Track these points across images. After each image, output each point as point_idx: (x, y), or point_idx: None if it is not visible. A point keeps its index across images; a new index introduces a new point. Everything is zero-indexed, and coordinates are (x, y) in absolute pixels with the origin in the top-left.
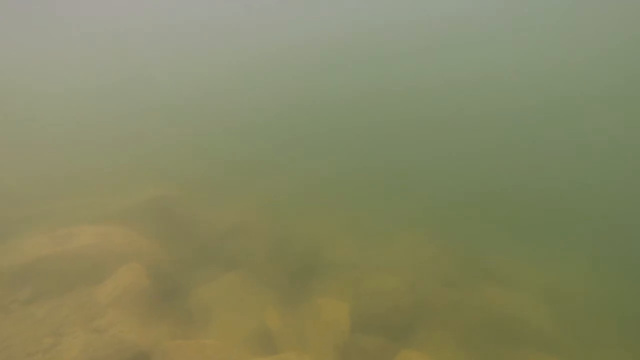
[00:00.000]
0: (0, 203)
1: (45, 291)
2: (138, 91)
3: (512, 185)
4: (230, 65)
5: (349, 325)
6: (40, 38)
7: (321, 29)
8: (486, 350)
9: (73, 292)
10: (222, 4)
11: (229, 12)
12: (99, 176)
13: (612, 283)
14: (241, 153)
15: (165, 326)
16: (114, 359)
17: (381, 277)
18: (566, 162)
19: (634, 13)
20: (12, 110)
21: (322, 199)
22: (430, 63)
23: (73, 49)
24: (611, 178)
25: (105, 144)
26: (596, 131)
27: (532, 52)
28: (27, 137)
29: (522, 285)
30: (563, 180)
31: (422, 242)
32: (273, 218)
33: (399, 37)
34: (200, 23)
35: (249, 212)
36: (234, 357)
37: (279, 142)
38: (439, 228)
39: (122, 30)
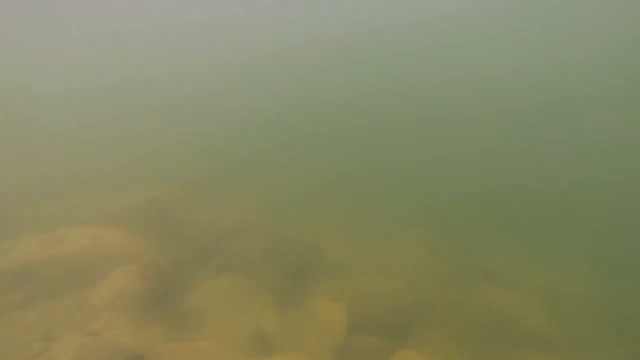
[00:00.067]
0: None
1: (37, 294)
2: (138, 91)
3: (512, 185)
4: (230, 65)
5: (346, 326)
6: (40, 38)
7: (321, 29)
8: (485, 351)
9: (66, 295)
10: (222, 4)
11: (229, 12)
12: (98, 176)
13: (611, 283)
14: (241, 153)
15: (159, 329)
16: None
17: (379, 278)
18: (566, 162)
19: (634, 13)
20: (12, 110)
21: (322, 199)
22: (430, 63)
23: (73, 49)
24: (611, 178)
25: (105, 144)
26: (596, 131)
27: (532, 52)
28: (27, 137)
29: (521, 285)
30: (563, 180)
31: (422, 242)
32: (271, 218)
33: (399, 37)
34: (200, 23)
35: (247, 213)
36: (228, 359)
37: (279, 142)
38: (438, 228)
39: (122, 30)
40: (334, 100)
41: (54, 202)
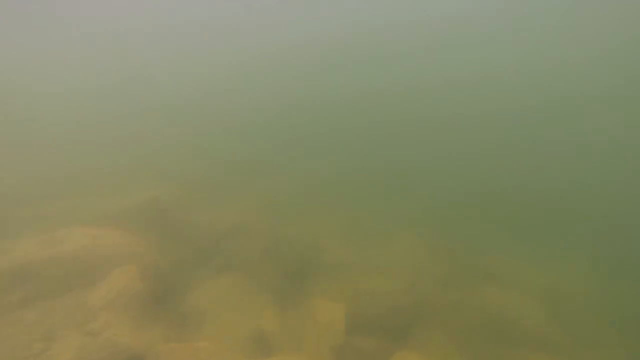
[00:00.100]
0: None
1: (37, 294)
2: (138, 91)
3: (512, 185)
4: (230, 65)
5: (345, 326)
6: (40, 38)
7: (321, 29)
8: (485, 351)
9: (66, 295)
10: (222, 4)
11: (229, 12)
12: (98, 176)
13: (611, 283)
14: (241, 153)
15: (159, 329)
16: None
17: (379, 278)
18: (566, 162)
19: (634, 13)
20: (12, 110)
21: (322, 199)
22: (430, 63)
23: (73, 49)
24: (611, 178)
25: (105, 144)
26: (596, 131)
27: (532, 52)
28: (27, 137)
29: (521, 286)
30: (563, 180)
31: (422, 242)
32: (271, 218)
33: (399, 37)
34: (200, 23)
35: (247, 213)
36: (228, 359)
37: (279, 142)
38: (438, 228)
39: (122, 30)
40: (334, 100)
41: (54, 202)
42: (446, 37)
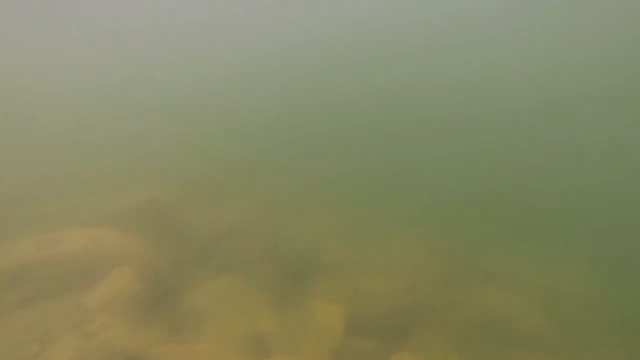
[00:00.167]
0: None
1: (35, 295)
2: (138, 91)
3: (512, 185)
4: (230, 65)
5: (344, 328)
6: (40, 38)
7: (321, 29)
8: (484, 352)
9: (64, 296)
10: (222, 4)
11: (229, 12)
12: (98, 176)
13: (611, 283)
14: (241, 153)
15: (157, 331)
16: None
17: (379, 278)
18: (566, 162)
19: (634, 13)
20: (12, 110)
21: (322, 199)
22: (430, 63)
23: (73, 49)
24: (611, 178)
25: (105, 144)
26: (596, 131)
27: (532, 52)
28: (27, 137)
29: (521, 286)
30: (563, 180)
31: (421, 243)
32: (271, 219)
33: (399, 37)
34: (200, 23)
35: (247, 213)
36: None
37: (279, 142)
38: (438, 228)
39: (122, 30)
40: (334, 100)
41: (53, 202)
42: (446, 37)
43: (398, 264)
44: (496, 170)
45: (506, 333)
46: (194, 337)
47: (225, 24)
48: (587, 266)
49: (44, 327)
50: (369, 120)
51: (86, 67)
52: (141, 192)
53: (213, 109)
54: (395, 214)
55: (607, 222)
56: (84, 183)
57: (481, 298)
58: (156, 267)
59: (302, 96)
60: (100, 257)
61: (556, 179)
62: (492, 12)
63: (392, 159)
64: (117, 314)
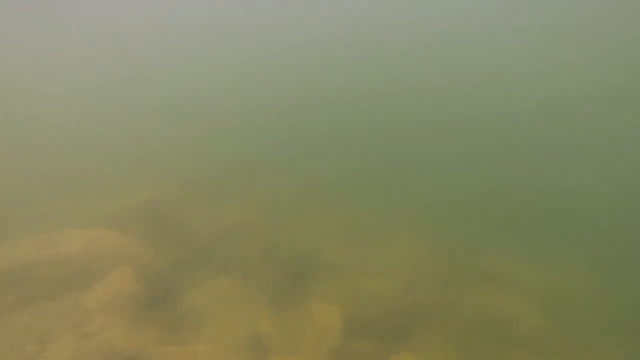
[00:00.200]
0: None
1: (33, 296)
2: (138, 91)
3: (512, 185)
4: (230, 65)
5: (344, 328)
6: (40, 38)
7: (321, 29)
8: (484, 353)
9: (62, 297)
10: (222, 4)
11: (229, 12)
12: (98, 176)
13: (611, 284)
14: (241, 153)
15: (155, 332)
16: None
17: (378, 279)
18: (566, 162)
19: (634, 13)
20: (12, 110)
21: (322, 200)
22: (430, 63)
23: (73, 49)
24: (611, 178)
25: (105, 144)
26: (596, 131)
27: (532, 52)
28: (27, 137)
29: (521, 286)
30: (563, 180)
31: (421, 243)
32: (271, 219)
33: (399, 37)
34: (200, 23)
35: (247, 213)
36: None
37: (279, 142)
38: (438, 228)
39: (122, 30)
40: (334, 100)
41: (53, 202)
42: (446, 37)
43: (398, 264)
44: (496, 170)
45: (506, 333)
46: (193, 338)
47: (225, 24)
48: (587, 266)
49: (43, 327)
50: (369, 120)
51: (86, 67)
52: (141, 192)
53: (213, 109)
54: (395, 214)
55: (607, 222)
56: (84, 183)
57: (481, 298)
58: (156, 268)
59: (302, 96)
60: (99, 257)
61: (556, 179)
62: (492, 12)
63: (392, 159)
64: (116, 314)
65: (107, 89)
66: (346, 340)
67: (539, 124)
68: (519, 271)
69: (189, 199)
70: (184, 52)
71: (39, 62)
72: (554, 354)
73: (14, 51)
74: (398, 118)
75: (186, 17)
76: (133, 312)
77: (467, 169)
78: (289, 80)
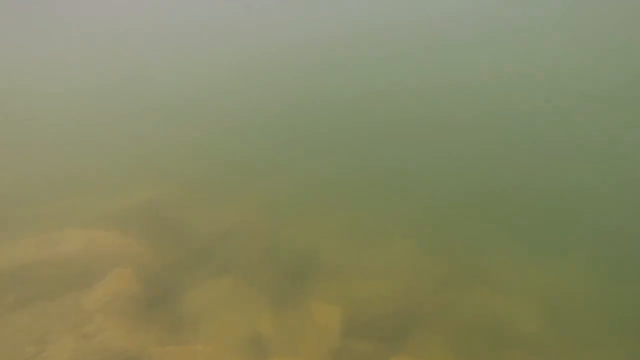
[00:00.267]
0: None
1: (32, 296)
2: (138, 91)
3: (512, 185)
4: (230, 65)
5: (343, 329)
6: (40, 38)
7: (321, 29)
8: (484, 354)
9: (62, 297)
10: (222, 4)
11: (229, 12)
12: (98, 176)
13: (611, 284)
14: (241, 153)
15: (155, 332)
16: None
17: (378, 280)
18: (566, 162)
19: (634, 13)
20: (12, 110)
21: (321, 200)
22: (430, 63)
23: (73, 49)
24: (611, 178)
25: (105, 144)
26: (596, 131)
27: (532, 52)
28: (27, 137)
29: (520, 287)
30: (563, 180)
31: (421, 244)
32: (270, 219)
33: (399, 37)
34: (200, 23)
35: (247, 213)
36: None
37: (279, 142)
38: (438, 229)
39: (122, 30)
40: (334, 100)
41: (53, 202)
42: (446, 37)
43: (398, 264)
44: (496, 171)
45: (506, 334)
46: (193, 338)
47: (225, 24)
48: (587, 266)
49: (43, 327)
50: (369, 120)
51: (86, 67)
52: (141, 192)
53: (213, 109)
54: (395, 214)
55: (607, 222)
56: (84, 183)
57: (481, 298)
58: (155, 268)
59: (302, 96)
60: (99, 258)
61: (556, 179)
62: (492, 12)
63: (392, 159)
64: (116, 314)
65: (107, 89)
66: (346, 341)
67: (539, 124)
68: (519, 271)
69: (189, 199)
70: (184, 52)
71: (39, 62)
72: (553, 354)
73: (14, 51)
74: (398, 118)
75: (186, 17)
76: (133, 312)
77: (467, 169)
78: (289, 80)
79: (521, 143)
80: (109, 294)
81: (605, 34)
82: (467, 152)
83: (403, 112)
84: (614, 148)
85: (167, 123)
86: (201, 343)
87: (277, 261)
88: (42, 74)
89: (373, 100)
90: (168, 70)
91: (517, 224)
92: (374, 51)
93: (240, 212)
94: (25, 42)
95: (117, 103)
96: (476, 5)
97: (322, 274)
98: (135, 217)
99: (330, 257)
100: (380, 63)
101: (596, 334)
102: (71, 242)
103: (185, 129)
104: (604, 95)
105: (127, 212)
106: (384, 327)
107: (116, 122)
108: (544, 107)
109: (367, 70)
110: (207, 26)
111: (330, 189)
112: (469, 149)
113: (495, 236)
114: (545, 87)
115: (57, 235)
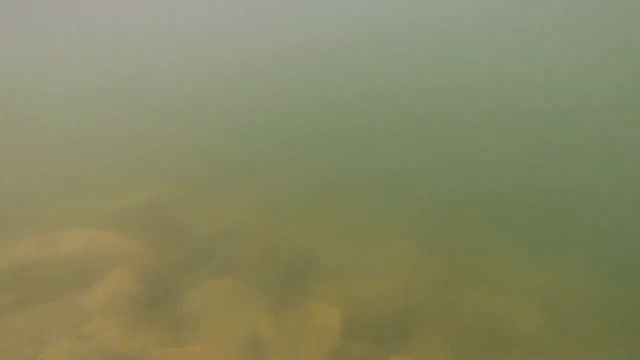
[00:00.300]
0: None
1: (32, 297)
2: (138, 91)
3: (512, 185)
4: (230, 65)
5: (342, 330)
6: (40, 38)
7: (321, 29)
8: (483, 354)
9: (62, 297)
10: (222, 4)
11: (229, 12)
12: (98, 177)
13: (611, 284)
14: (241, 153)
15: (153, 333)
16: None
17: (377, 280)
18: (566, 162)
19: (634, 13)
20: (12, 110)
21: (322, 200)
22: (430, 63)
23: (73, 49)
24: (611, 178)
25: (105, 144)
26: (596, 131)
27: (532, 52)
28: (27, 137)
29: (520, 287)
30: (563, 180)
31: (420, 244)
32: (270, 219)
33: (399, 37)
34: (200, 23)
35: (247, 213)
36: None
37: (279, 142)
38: (438, 229)
39: (122, 30)
40: (334, 100)
41: (53, 203)
42: (446, 37)
43: (397, 264)
44: (496, 171)
45: (506, 334)
46: (192, 339)
47: (225, 24)
48: (587, 266)
49: (43, 327)
50: (368, 121)
51: (86, 67)
52: (141, 192)
53: (213, 109)
54: (395, 214)
55: (607, 222)
56: (84, 183)
57: (481, 299)
58: (155, 268)
59: (302, 96)
60: (99, 258)
61: (556, 179)
62: (492, 12)
63: (392, 159)
64: (114, 316)
65: (107, 89)
66: (345, 341)
67: (539, 124)
68: (519, 271)
69: (189, 199)
70: (184, 52)
71: (39, 62)
72: (553, 354)
73: (14, 51)
74: (398, 118)
75: (186, 17)
76: (132, 313)
77: (467, 169)
78: (289, 80)
79: (521, 143)
80: (108, 294)
81: (605, 34)
82: (467, 152)
83: (403, 112)
84: (614, 148)
85: (167, 123)
86: (200, 344)
87: (277, 261)
88: (42, 74)
89: (373, 100)
90: (168, 70)
91: (517, 224)
92: (374, 51)
93: (240, 212)
94: (25, 42)
95: (117, 103)
96: (476, 5)
97: (321, 274)
98: (135, 217)
99: (330, 257)
100: (380, 63)
101: (596, 334)
102: (71, 242)
103: (185, 129)
104: (604, 95)
105: (127, 212)
106: (384, 327)
107: (116, 122)
108: (544, 107)
109: (367, 71)
110: (207, 26)
111: (330, 189)
112: (469, 149)
113: (495, 236)
114: (545, 87)
115: (57, 235)
